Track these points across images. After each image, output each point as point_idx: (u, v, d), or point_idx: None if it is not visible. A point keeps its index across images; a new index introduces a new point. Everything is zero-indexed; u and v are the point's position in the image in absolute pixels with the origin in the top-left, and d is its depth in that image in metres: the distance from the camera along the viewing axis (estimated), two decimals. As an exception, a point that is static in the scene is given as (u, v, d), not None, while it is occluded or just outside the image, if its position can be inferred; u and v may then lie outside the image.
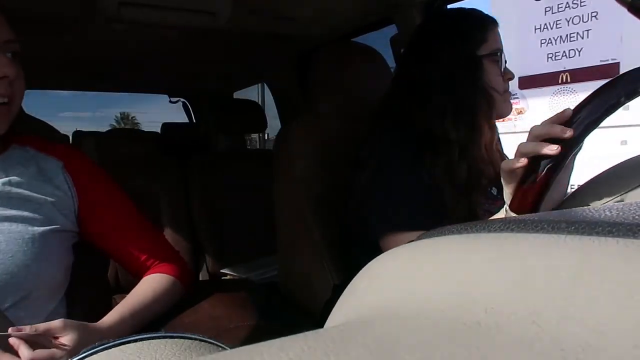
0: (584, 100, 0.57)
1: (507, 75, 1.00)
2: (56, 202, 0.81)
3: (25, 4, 1.25)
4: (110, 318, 0.76)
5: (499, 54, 0.98)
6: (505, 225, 0.23)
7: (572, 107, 0.58)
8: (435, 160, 0.93)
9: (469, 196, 0.94)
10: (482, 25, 1.00)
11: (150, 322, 0.83)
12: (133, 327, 0.77)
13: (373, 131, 1.00)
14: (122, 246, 0.87)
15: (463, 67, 0.96)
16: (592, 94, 0.56)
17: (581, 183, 0.66)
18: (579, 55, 4.92)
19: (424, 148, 0.94)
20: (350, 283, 0.25)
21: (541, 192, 0.60)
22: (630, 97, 0.54)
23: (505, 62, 1.00)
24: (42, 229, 0.77)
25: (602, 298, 0.15)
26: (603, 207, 0.24)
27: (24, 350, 0.63)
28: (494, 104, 0.97)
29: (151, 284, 0.84)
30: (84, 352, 0.29)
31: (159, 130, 2.94)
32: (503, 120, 1.29)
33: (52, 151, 0.85)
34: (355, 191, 0.99)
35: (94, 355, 0.28)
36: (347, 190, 1.01)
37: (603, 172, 0.63)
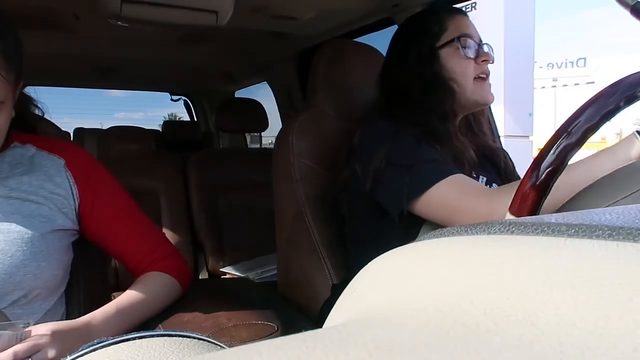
0: (582, 106, 0.57)
1: (482, 58, 0.97)
2: (57, 200, 0.81)
3: (27, 1, 1.25)
4: (93, 314, 0.75)
5: (460, 38, 0.96)
6: (505, 227, 0.23)
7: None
8: None
9: None
10: (441, 16, 1.00)
11: (149, 320, 0.83)
12: (120, 324, 0.76)
13: (366, 124, 0.99)
14: (121, 243, 0.87)
15: (422, 62, 0.97)
16: (590, 99, 0.56)
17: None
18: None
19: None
20: (350, 283, 0.25)
21: (540, 195, 0.60)
22: (629, 102, 0.54)
23: (479, 45, 0.98)
24: (41, 228, 0.77)
25: (602, 301, 0.15)
26: (603, 210, 0.24)
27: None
28: (455, 93, 0.96)
29: (146, 282, 0.84)
30: (82, 350, 0.29)
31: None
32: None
33: (54, 149, 0.85)
34: (358, 182, 0.97)
35: (92, 353, 0.28)
36: (346, 187, 1.01)
37: (604, 176, 0.63)
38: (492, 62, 1.01)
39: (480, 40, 1.01)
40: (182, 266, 0.91)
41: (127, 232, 0.87)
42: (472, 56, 0.97)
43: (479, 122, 1.08)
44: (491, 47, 1.03)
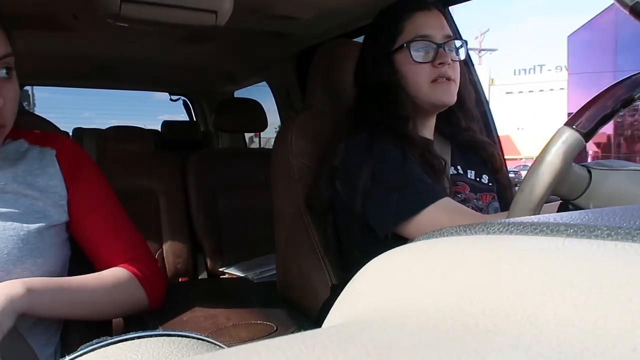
0: (578, 111, 0.56)
1: (439, 60, 0.91)
2: (52, 194, 0.81)
3: (27, 0, 1.25)
4: (33, 279, 0.73)
5: (412, 43, 0.91)
6: (504, 228, 0.23)
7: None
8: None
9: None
10: (399, 16, 0.95)
11: (83, 310, 0.79)
12: (54, 300, 0.73)
13: (348, 140, 0.96)
14: (94, 239, 0.85)
15: (377, 68, 0.95)
16: (586, 104, 0.55)
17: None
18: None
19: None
20: (348, 283, 0.25)
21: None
22: (626, 105, 0.54)
23: (440, 45, 0.91)
24: (37, 225, 0.77)
25: (601, 301, 0.15)
26: (601, 210, 0.24)
27: None
28: (410, 99, 0.93)
29: (103, 272, 0.82)
30: (81, 350, 0.29)
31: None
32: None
33: (46, 142, 0.85)
34: (342, 202, 0.96)
35: (91, 353, 0.28)
36: (330, 208, 1.00)
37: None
38: (463, 58, 0.96)
39: (449, 37, 0.94)
40: (155, 275, 0.87)
41: (102, 229, 0.85)
42: (425, 60, 0.91)
43: (458, 117, 1.03)
44: (466, 42, 0.98)
